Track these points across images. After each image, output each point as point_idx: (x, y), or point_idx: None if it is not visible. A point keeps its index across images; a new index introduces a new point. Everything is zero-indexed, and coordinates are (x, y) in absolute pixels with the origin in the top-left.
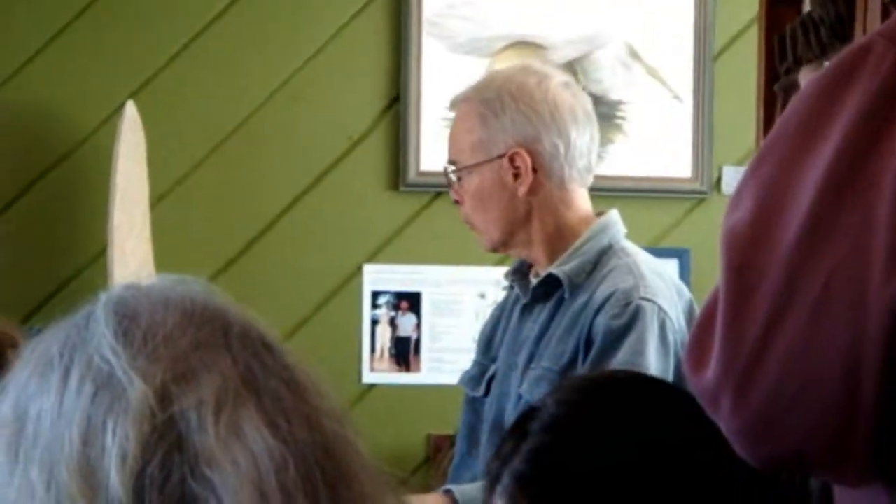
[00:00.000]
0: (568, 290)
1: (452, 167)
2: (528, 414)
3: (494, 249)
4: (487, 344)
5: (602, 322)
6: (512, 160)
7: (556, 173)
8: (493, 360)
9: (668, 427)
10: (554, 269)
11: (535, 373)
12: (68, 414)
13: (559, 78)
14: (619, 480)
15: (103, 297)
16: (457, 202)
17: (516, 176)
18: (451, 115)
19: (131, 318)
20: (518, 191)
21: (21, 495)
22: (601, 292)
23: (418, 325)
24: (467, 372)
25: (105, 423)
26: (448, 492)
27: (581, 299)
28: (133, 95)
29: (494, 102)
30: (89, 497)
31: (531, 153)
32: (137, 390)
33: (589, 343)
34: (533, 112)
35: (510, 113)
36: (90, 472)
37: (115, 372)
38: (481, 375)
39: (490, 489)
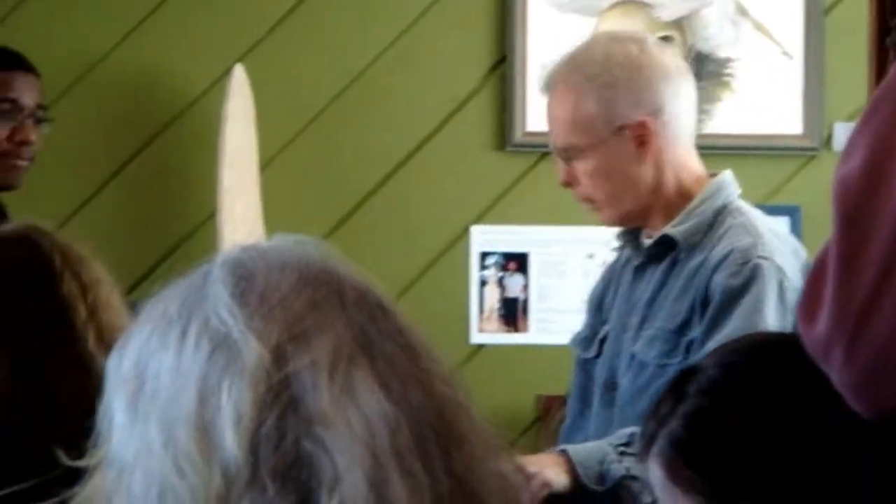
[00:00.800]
0: (684, 250)
1: (564, 150)
2: (686, 375)
3: (620, 223)
4: (598, 305)
5: (720, 281)
6: (634, 130)
7: (672, 135)
8: (604, 321)
9: (826, 391)
10: (669, 230)
11: (649, 333)
12: (185, 373)
13: (652, 39)
14: (776, 445)
15: (220, 257)
16: (567, 184)
17: (639, 145)
18: None
19: (248, 279)
20: (644, 159)
21: (140, 451)
22: (718, 251)
23: (526, 286)
24: (579, 333)
25: (221, 383)
26: (563, 452)
27: (697, 259)
28: (241, 59)
29: (603, 76)
30: (205, 455)
31: (651, 120)
32: (253, 350)
33: (706, 302)
34: (645, 79)
35: (624, 83)
36: (206, 430)
37: (231, 332)
38: (593, 336)
39: (644, 450)
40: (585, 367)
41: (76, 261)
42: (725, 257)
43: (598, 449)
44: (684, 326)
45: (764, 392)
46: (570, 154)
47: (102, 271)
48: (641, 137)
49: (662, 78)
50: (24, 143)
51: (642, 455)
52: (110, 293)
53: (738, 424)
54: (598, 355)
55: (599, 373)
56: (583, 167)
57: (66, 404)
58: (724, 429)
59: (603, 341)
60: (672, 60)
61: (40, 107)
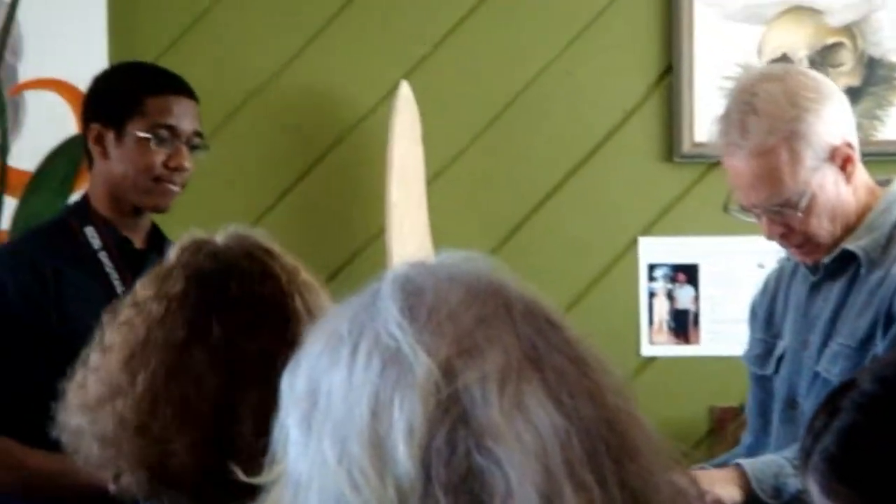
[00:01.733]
0: (865, 265)
1: (781, 205)
2: (841, 390)
3: (828, 252)
4: (767, 319)
5: None
6: (836, 157)
7: (855, 151)
8: (776, 336)
9: None
10: (849, 245)
11: (832, 350)
12: (357, 389)
13: (804, 65)
14: None
15: (390, 274)
16: (783, 236)
17: (842, 169)
18: (726, 85)
19: (417, 295)
20: (849, 181)
21: (315, 467)
22: None
23: (696, 297)
24: (751, 349)
25: (392, 398)
26: (737, 465)
27: (878, 274)
28: (407, 75)
29: (801, 118)
30: (379, 469)
31: (847, 142)
32: (423, 365)
33: (889, 318)
34: (830, 104)
35: (816, 115)
36: (379, 445)
37: (401, 347)
38: (768, 353)
39: (803, 465)
40: (763, 384)
41: (313, 300)
42: None
43: (773, 463)
44: (867, 342)
45: None
46: (788, 205)
47: (327, 299)
48: (844, 162)
49: (838, 96)
50: (179, 170)
51: (802, 470)
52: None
53: (892, 440)
54: (775, 371)
55: (779, 390)
56: (812, 210)
57: None
58: (878, 445)
59: (780, 359)
60: (829, 79)
61: (197, 133)
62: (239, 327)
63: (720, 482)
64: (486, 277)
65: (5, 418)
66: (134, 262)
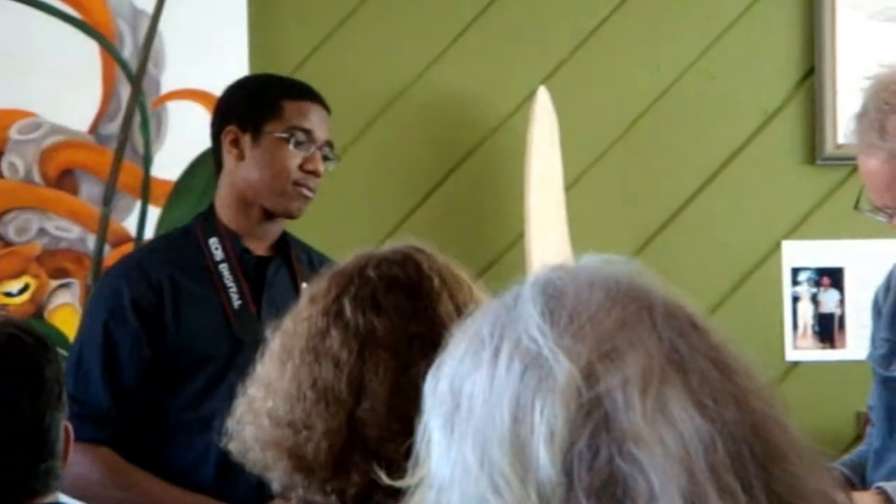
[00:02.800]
0: None
1: None
2: None
3: None
4: (894, 318)
5: None
6: None
7: None
8: None
9: None
10: None
11: None
12: (499, 392)
13: None
14: None
15: (531, 278)
16: None
17: None
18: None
19: (557, 299)
20: None
21: (457, 470)
22: None
23: (842, 301)
24: (876, 349)
25: (534, 402)
26: (880, 490)
27: None
28: (544, 81)
29: None
30: (520, 474)
31: None
32: (564, 369)
33: None
34: None
35: None
36: (520, 449)
37: (542, 351)
38: (893, 354)
39: None
40: (889, 385)
41: (454, 282)
42: None
43: None
44: None
45: None
46: None
47: (479, 291)
48: None
49: None
50: (313, 174)
51: None
52: None
53: None
54: None
55: None
56: None
57: None
58: None
59: None
60: None
61: (328, 143)
62: (365, 302)
63: None
64: (627, 281)
65: (111, 428)
66: (254, 273)
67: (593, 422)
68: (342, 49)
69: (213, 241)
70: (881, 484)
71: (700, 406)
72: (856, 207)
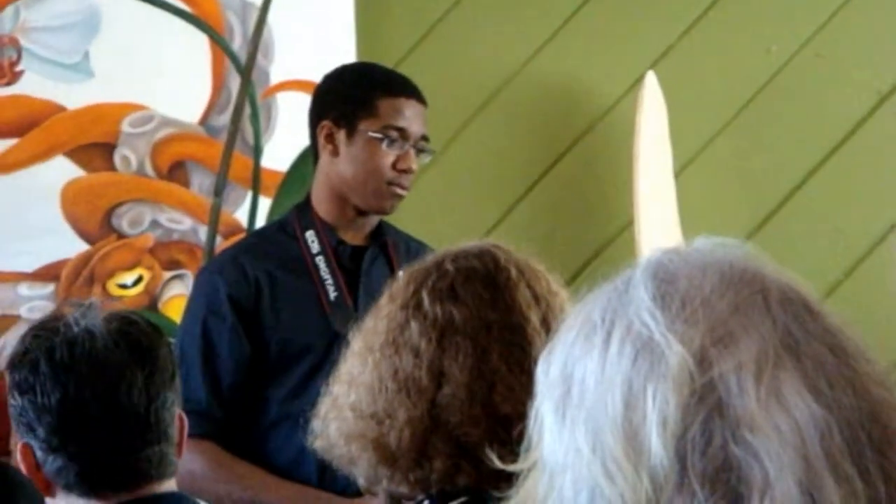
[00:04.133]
0: None
1: None
2: None
3: None
4: None
5: None
6: None
7: None
8: None
9: None
10: None
11: None
12: (610, 378)
13: None
14: None
15: (643, 262)
16: None
17: None
18: None
19: (669, 283)
20: None
21: (569, 455)
22: None
23: None
24: None
25: (646, 387)
26: None
27: None
28: (653, 66)
29: None
30: (633, 460)
31: None
32: (676, 354)
33: None
34: None
35: None
36: (633, 435)
37: (653, 336)
38: None
39: None
40: None
41: (531, 273)
42: None
43: None
44: None
45: None
46: None
47: (558, 283)
48: None
49: None
50: (407, 172)
51: None
52: (564, 304)
53: None
54: None
55: None
56: None
57: (509, 414)
58: None
59: None
60: None
61: (424, 137)
62: (443, 293)
63: None
64: (740, 264)
65: (213, 422)
66: (350, 263)
67: (706, 407)
68: (449, 38)
69: (310, 234)
70: None
71: (815, 392)
72: None
